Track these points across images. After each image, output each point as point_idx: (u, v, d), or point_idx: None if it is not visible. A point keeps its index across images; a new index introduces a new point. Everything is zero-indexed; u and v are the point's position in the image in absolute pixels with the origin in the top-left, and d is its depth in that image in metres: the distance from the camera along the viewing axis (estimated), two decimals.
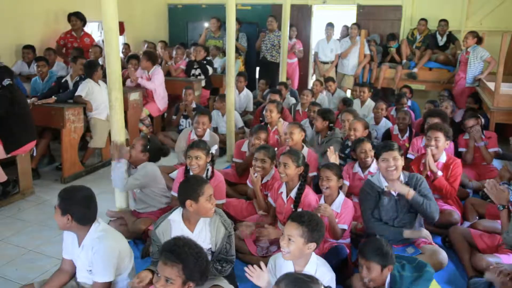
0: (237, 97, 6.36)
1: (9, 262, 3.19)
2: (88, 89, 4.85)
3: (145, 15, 9.08)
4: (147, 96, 6.04)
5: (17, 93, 4.05)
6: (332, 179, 3.13)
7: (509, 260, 2.83)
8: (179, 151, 4.60)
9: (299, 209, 3.06)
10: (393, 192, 3.03)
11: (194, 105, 5.81)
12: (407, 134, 4.88)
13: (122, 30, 7.98)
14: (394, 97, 6.46)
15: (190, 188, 2.45)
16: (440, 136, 3.63)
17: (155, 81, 5.95)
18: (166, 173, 4.09)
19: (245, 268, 2.21)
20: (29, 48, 6.16)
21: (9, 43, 6.28)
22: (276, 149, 3.92)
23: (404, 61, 7.52)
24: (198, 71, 6.79)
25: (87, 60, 5.24)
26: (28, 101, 4.48)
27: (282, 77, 7.15)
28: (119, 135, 3.53)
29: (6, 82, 3.93)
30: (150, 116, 6.08)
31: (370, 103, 6.03)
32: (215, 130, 5.68)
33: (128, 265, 2.46)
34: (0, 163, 4.00)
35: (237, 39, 7.26)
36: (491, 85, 5.59)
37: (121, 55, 7.03)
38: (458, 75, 6.73)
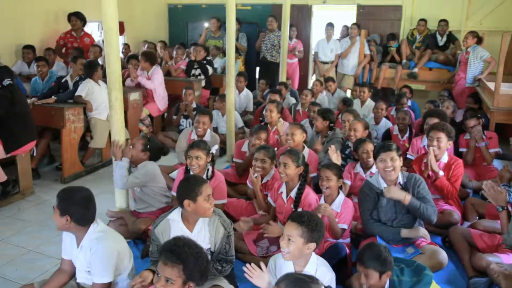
0: (237, 97, 6.36)
1: (9, 262, 3.19)
2: (88, 89, 4.85)
3: (145, 15, 9.08)
4: (147, 96, 6.04)
5: (17, 93, 4.05)
6: (332, 179, 3.14)
7: (509, 260, 2.84)
8: (179, 151, 4.60)
9: (299, 209, 3.06)
10: None
11: (194, 105, 5.82)
12: (407, 134, 4.88)
13: (122, 30, 7.98)
14: (394, 97, 6.46)
15: (188, 187, 2.45)
16: (442, 136, 3.62)
17: (155, 81, 5.95)
18: (166, 173, 4.09)
19: (244, 268, 2.20)
20: (29, 48, 6.16)
21: (9, 43, 6.28)
22: (276, 149, 3.92)
23: (404, 61, 7.52)
24: (198, 71, 6.79)
25: (87, 60, 5.24)
26: (28, 101, 4.48)
27: (282, 77, 7.15)
28: (119, 135, 3.53)
29: (6, 82, 3.93)
30: (150, 116, 6.08)
31: (370, 103, 6.03)
32: (215, 130, 5.68)
33: (128, 266, 2.46)
34: (0, 163, 4.00)
35: (237, 39, 7.26)
36: (491, 85, 5.59)
37: (121, 55, 7.03)
38: (458, 75, 6.73)
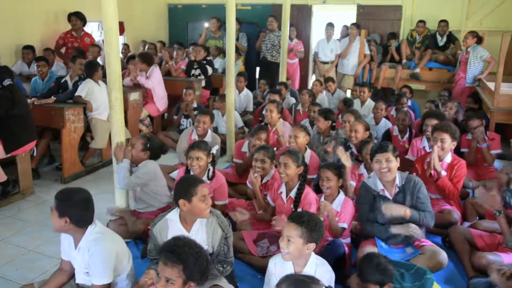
0: (237, 97, 6.36)
1: (9, 262, 3.19)
2: (88, 89, 4.85)
3: (145, 15, 9.07)
4: (146, 97, 6.03)
5: (17, 93, 4.05)
6: (332, 179, 3.15)
7: (509, 259, 2.83)
8: (180, 151, 4.60)
9: (299, 209, 3.06)
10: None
11: (195, 105, 5.82)
12: (407, 135, 4.87)
13: (122, 30, 7.98)
14: (394, 97, 6.45)
15: (184, 187, 2.45)
16: (446, 137, 3.60)
17: (153, 80, 5.94)
18: (166, 173, 4.09)
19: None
20: (28, 48, 6.15)
21: (9, 43, 6.27)
22: (275, 149, 3.92)
23: (404, 61, 7.52)
24: (198, 71, 6.79)
25: (87, 60, 5.24)
26: (28, 101, 4.48)
27: (282, 77, 7.16)
28: (119, 135, 3.53)
29: (7, 82, 3.93)
30: (150, 116, 6.08)
31: (370, 103, 6.03)
32: (215, 130, 5.68)
33: (127, 266, 2.46)
34: (0, 163, 4.00)
35: (237, 39, 7.25)
36: (491, 85, 5.59)
37: (120, 55, 7.02)
38: (458, 75, 6.74)
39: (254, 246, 3.20)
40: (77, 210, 2.27)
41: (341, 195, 3.20)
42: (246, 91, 6.66)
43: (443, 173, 3.59)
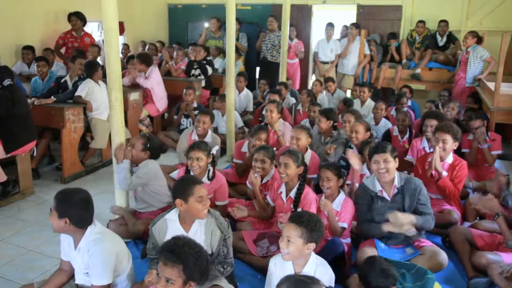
0: (237, 97, 6.36)
1: (9, 262, 3.19)
2: (88, 89, 4.85)
3: (145, 15, 9.07)
4: (146, 97, 6.03)
5: (17, 93, 4.05)
6: (332, 179, 3.14)
7: (509, 259, 2.83)
8: (180, 151, 4.60)
9: (299, 209, 3.06)
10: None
11: (195, 105, 5.82)
12: (407, 135, 4.87)
13: (122, 30, 7.98)
14: (394, 97, 6.45)
15: (181, 187, 2.45)
16: (448, 138, 3.58)
17: (151, 80, 5.94)
18: (166, 173, 4.09)
19: None
20: (28, 48, 6.15)
21: (9, 43, 6.27)
22: (275, 149, 3.92)
23: (404, 61, 7.52)
24: (198, 71, 6.79)
25: (87, 60, 5.24)
26: (28, 101, 4.48)
27: (282, 77, 7.16)
28: (119, 135, 3.53)
29: (7, 82, 3.93)
30: (149, 116, 6.08)
31: (370, 103, 6.03)
32: (215, 130, 5.68)
33: (126, 267, 2.46)
34: (0, 163, 4.00)
35: (237, 39, 7.25)
36: (491, 85, 5.59)
37: (121, 55, 7.02)
38: (458, 75, 6.74)
39: (254, 246, 3.20)
40: (76, 211, 2.27)
41: (341, 195, 3.20)
42: (246, 91, 6.66)
43: (444, 173, 3.59)
